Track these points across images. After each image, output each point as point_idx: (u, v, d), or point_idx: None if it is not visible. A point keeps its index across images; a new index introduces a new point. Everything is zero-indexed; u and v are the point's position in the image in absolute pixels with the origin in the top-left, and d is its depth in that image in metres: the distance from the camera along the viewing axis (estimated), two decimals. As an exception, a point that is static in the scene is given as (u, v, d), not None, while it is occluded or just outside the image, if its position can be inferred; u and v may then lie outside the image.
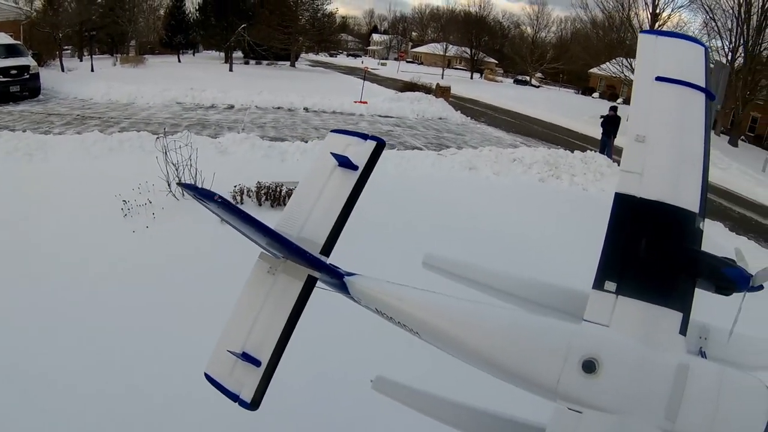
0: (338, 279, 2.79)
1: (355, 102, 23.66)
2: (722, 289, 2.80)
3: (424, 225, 8.55)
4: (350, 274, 2.82)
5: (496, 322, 2.60)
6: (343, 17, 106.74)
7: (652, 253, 2.73)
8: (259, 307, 2.83)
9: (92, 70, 34.21)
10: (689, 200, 2.80)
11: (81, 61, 45.91)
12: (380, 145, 2.95)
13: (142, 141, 12.05)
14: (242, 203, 8.41)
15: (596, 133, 20.60)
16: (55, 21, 36.01)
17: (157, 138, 9.27)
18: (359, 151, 2.97)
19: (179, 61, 54.42)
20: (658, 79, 3.04)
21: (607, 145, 18.61)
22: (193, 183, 2.29)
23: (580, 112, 33.15)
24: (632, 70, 35.44)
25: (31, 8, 39.98)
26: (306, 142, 12.60)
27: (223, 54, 58.20)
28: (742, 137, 40.07)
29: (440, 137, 18.90)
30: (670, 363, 2.45)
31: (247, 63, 57.09)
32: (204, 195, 2.49)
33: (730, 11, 35.95)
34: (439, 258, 3.23)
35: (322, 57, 79.25)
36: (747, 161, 29.62)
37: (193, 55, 69.61)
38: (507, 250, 7.79)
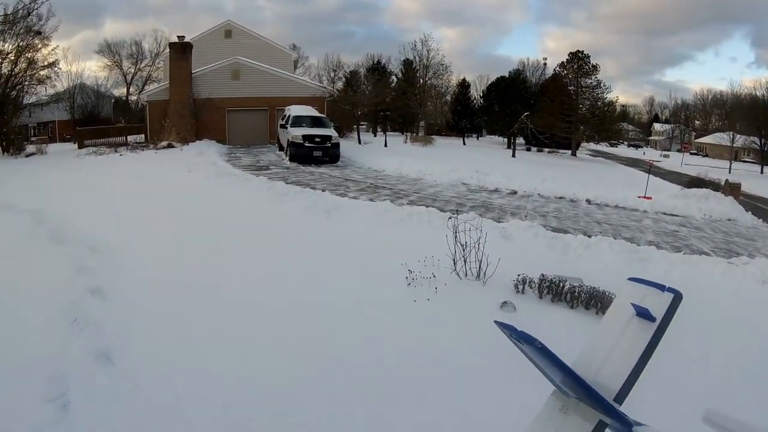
0: (628, 427, 2.67)
1: (639, 197, 22.70)
2: None
3: (718, 355, 7.62)
4: (639, 424, 2.65)
5: None
6: (623, 106, 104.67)
7: None
8: None
9: (385, 145, 37.87)
10: None
11: (375, 136, 51.65)
12: (677, 298, 2.89)
13: (430, 216, 12.76)
14: (523, 293, 8.43)
15: None
16: (354, 100, 40.99)
17: (450, 218, 9.73)
18: (657, 302, 2.91)
19: (464, 143, 57.55)
20: None
21: None
22: (510, 324, 2.43)
23: None
24: None
25: (333, 87, 46.01)
26: (589, 236, 12.33)
27: (505, 139, 60.25)
28: None
29: (729, 242, 17.18)
30: None
31: (528, 149, 58.44)
32: (523, 338, 2.67)
33: None
34: (723, 416, 2.81)
35: (603, 147, 77.70)
36: None
37: (477, 138, 73.52)
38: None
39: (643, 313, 2.89)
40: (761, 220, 23.27)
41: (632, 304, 2.93)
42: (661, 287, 2.96)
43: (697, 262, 12.24)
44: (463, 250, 8.95)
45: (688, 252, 13.69)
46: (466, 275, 8.83)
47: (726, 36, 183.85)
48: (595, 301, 8.13)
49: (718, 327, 8.57)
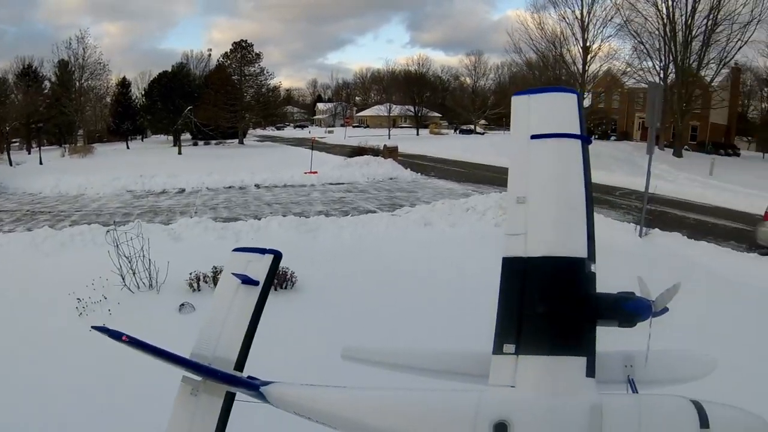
0: (255, 390, 2.91)
1: (306, 173, 23.90)
2: (625, 323, 2.89)
3: (381, 287, 8.59)
4: (266, 383, 2.90)
5: (406, 405, 2.66)
6: (287, 90, 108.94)
7: (546, 306, 2.73)
8: (188, 428, 2.99)
9: (41, 163, 34.19)
10: (576, 248, 2.83)
11: (29, 153, 45.59)
12: (278, 257, 3.12)
13: (93, 234, 11.88)
14: (199, 290, 8.32)
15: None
16: (2, 113, 35.72)
17: (108, 231, 9.17)
18: (259, 267, 3.10)
19: (128, 147, 54.58)
20: (533, 137, 3.11)
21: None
22: (101, 326, 2.45)
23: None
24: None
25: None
26: (259, 219, 12.63)
27: (171, 137, 58.21)
28: (686, 147, 41.96)
29: (393, 197, 19.12)
30: (582, 408, 2.46)
31: (195, 144, 57.27)
32: (113, 336, 2.93)
33: (656, 32, 38.09)
34: (357, 349, 3.32)
35: (270, 131, 79.97)
36: (693, 169, 31.13)
37: (142, 140, 69.88)
38: (467, 299, 7.68)
39: (246, 280, 3.07)
40: (419, 173, 26.16)
41: (233, 273, 3.11)
42: (262, 251, 3.15)
43: (364, 220, 13.33)
44: (129, 263, 8.52)
45: (356, 213, 14.83)
46: (138, 288, 8.44)
47: (385, 21, 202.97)
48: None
49: (387, 266, 9.77)
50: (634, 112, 55.26)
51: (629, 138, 53.71)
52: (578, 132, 3.08)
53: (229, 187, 21.05)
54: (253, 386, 2.91)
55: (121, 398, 5.57)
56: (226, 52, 62.12)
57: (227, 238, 11.28)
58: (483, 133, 68.54)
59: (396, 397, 2.71)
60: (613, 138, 54.01)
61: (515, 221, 2.97)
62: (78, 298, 7.80)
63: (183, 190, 20.37)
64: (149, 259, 8.53)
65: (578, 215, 2.93)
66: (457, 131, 76.80)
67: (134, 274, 8.49)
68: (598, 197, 20.58)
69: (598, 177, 26.27)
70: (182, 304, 7.68)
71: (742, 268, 11.01)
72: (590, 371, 2.60)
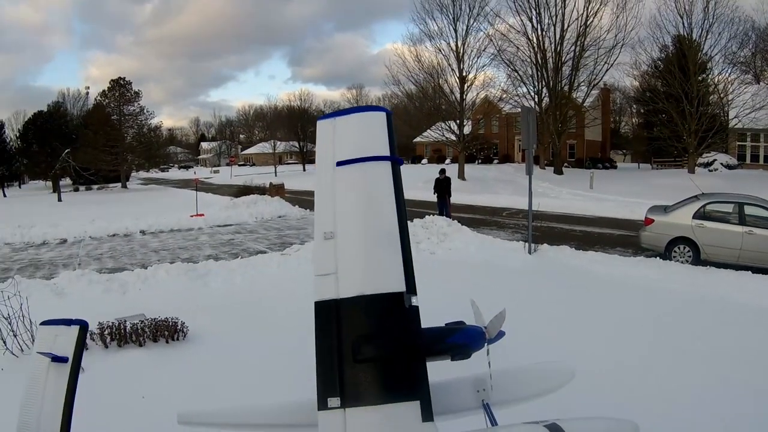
0: None
1: (192, 216, 23.59)
2: (458, 355, 2.81)
3: (276, 330, 8.63)
4: None
5: None
6: (169, 129, 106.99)
7: (367, 351, 2.55)
8: None
9: None
10: (392, 282, 2.64)
11: None
12: (84, 328, 2.97)
13: (-33, 297, 11.31)
14: (87, 349, 8.03)
15: (432, 197, 21.95)
16: None
17: (-18, 292, 8.80)
18: (66, 341, 2.90)
19: (4, 195, 51.34)
20: (339, 164, 2.86)
21: (444, 205, 20.11)
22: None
23: (414, 180, 34.89)
24: (452, 132, 38.54)
25: None
26: (146, 267, 12.45)
27: (50, 183, 55.32)
28: (566, 164, 45.01)
29: (282, 236, 19.25)
30: None
31: (76, 190, 54.70)
32: None
33: (529, 60, 40.95)
34: (195, 413, 3.22)
35: (154, 173, 77.77)
36: (574, 184, 33.34)
37: (19, 187, 65.55)
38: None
39: (55, 358, 2.87)
40: (307, 209, 26.38)
41: (39, 353, 2.91)
42: (68, 322, 2.95)
43: (254, 262, 13.41)
44: (9, 324, 8.25)
45: (246, 255, 14.87)
46: (22, 351, 8.14)
47: (266, 57, 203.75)
48: (161, 331, 8.33)
49: (281, 306, 9.98)
50: (513, 135, 58.12)
51: (511, 160, 56.69)
52: (387, 153, 2.84)
53: (114, 235, 20.44)
54: None
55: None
56: (104, 90, 59.73)
57: (113, 290, 11.05)
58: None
59: None
60: (495, 161, 56.69)
61: (324, 260, 2.74)
62: (-43, 371, 7.42)
63: (65, 240, 19.60)
64: (30, 320, 8.16)
65: (391, 245, 2.71)
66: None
67: (15, 336, 8.22)
68: (486, 219, 21.86)
69: (484, 200, 27.50)
70: (69, 365, 7.49)
71: (632, 271, 12.14)
72: (427, 415, 2.46)
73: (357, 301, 2.60)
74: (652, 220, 14.18)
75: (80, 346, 2.89)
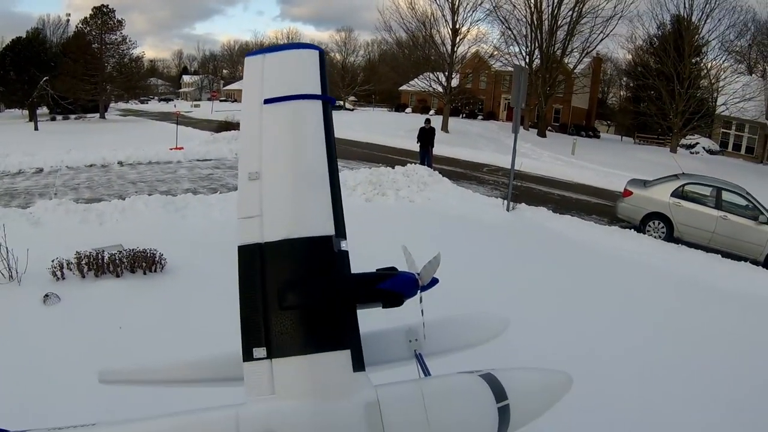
0: None
1: (171, 149, 23.27)
2: (390, 303, 2.69)
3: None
4: None
5: None
6: (151, 61, 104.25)
7: (293, 298, 2.43)
8: None
9: None
10: (319, 225, 2.56)
11: None
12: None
13: (-60, 224, 11.16)
14: (64, 278, 8.01)
15: (414, 146, 22.13)
16: None
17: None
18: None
19: (-21, 124, 50.14)
20: (266, 101, 2.70)
21: (426, 155, 20.07)
22: None
23: (396, 129, 34.86)
24: (440, 83, 38.21)
25: None
26: (124, 199, 12.34)
27: (27, 112, 54.17)
28: (549, 128, 44.96)
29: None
30: (356, 408, 2.29)
31: (53, 119, 53.49)
32: None
33: (524, 20, 40.34)
34: (115, 371, 3.08)
35: (133, 105, 76.24)
36: (556, 148, 33.45)
37: (-3, 115, 64.02)
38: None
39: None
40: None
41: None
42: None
43: (233, 198, 13.30)
44: (-15, 252, 8.16)
45: (225, 190, 14.82)
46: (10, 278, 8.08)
47: None
48: (139, 262, 8.34)
49: None
50: (500, 93, 57.88)
51: (495, 118, 56.33)
52: (319, 92, 2.75)
53: (91, 165, 20.10)
54: None
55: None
56: (85, 18, 57.56)
57: (90, 221, 10.96)
58: (352, 109, 68.96)
59: (144, 428, 2.34)
60: (480, 117, 56.38)
61: (248, 201, 2.60)
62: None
63: (41, 170, 19.26)
64: (6, 248, 8.01)
65: (320, 187, 2.64)
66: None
67: (-9, 262, 8.15)
68: (466, 173, 21.98)
69: (466, 154, 27.60)
70: (46, 295, 7.41)
71: (607, 240, 12.45)
72: (358, 364, 2.38)
73: (282, 245, 2.49)
74: (631, 193, 14.44)
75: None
